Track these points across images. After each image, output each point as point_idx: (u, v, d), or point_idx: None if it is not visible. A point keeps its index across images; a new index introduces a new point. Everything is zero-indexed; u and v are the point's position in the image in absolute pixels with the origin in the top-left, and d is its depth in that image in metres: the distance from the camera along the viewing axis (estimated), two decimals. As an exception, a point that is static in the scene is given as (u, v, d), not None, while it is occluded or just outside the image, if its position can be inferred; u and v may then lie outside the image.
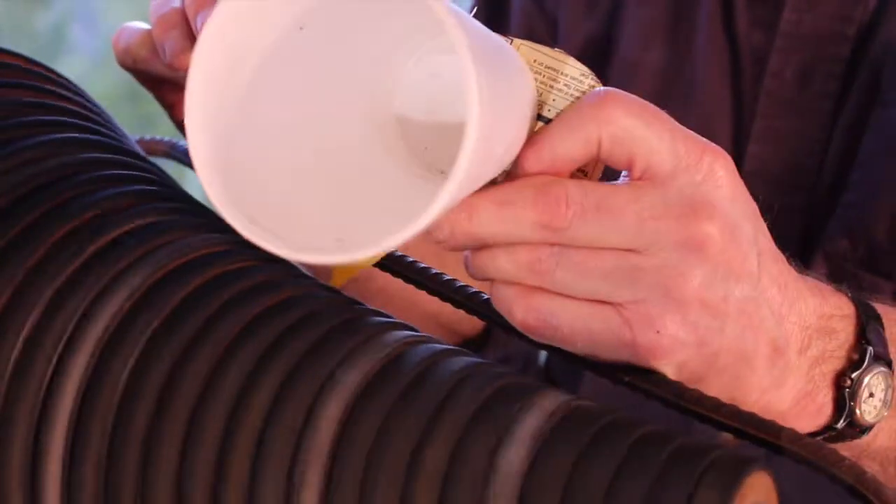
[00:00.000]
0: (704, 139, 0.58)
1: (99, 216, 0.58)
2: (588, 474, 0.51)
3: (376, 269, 0.66)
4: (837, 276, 0.71)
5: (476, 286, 0.64)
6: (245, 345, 0.55)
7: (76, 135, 0.63)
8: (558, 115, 0.59)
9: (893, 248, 0.87)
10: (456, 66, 0.51)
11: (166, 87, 0.79)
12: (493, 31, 0.57)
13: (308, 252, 0.53)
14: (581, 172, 0.59)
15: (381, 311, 0.59)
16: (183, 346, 0.55)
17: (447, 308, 0.65)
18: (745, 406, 0.59)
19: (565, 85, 0.59)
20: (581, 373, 0.91)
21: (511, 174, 0.58)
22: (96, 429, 0.55)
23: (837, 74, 0.91)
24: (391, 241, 0.51)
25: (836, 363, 0.63)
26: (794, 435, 0.56)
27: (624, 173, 0.58)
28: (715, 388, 0.59)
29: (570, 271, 0.57)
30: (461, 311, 0.65)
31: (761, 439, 0.57)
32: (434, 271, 0.65)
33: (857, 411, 0.63)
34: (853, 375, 0.63)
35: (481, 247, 0.58)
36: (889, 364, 0.64)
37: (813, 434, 0.63)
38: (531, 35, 0.87)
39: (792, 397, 0.62)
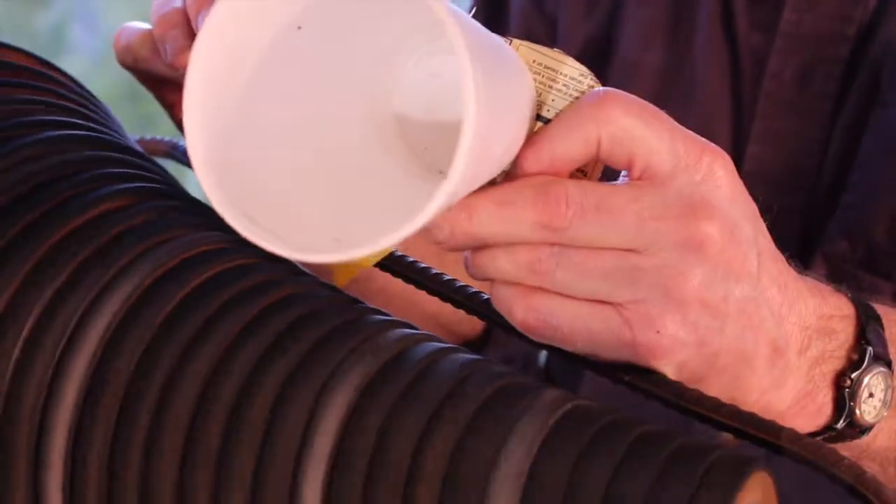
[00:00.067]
0: (704, 139, 0.58)
1: (99, 214, 0.58)
2: (588, 474, 0.51)
3: (376, 270, 0.66)
4: (837, 277, 0.71)
5: (476, 286, 0.64)
6: (246, 344, 0.55)
7: (76, 132, 0.63)
8: (557, 115, 0.59)
9: (893, 249, 0.87)
10: (456, 66, 0.51)
11: (167, 87, 0.79)
12: (492, 31, 0.57)
13: (307, 251, 0.53)
14: (580, 172, 0.59)
15: (382, 310, 0.59)
16: (184, 345, 0.55)
17: (447, 308, 0.66)
18: (745, 406, 0.59)
19: (564, 85, 0.59)
20: (581, 373, 0.91)
21: (510, 174, 0.58)
22: (98, 429, 0.55)
23: (837, 75, 0.91)
24: (388, 240, 0.51)
25: (836, 363, 0.63)
26: (793, 435, 0.56)
27: (623, 173, 0.58)
28: (715, 388, 0.59)
29: (570, 271, 0.57)
30: (461, 312, 0.65)
31: (761, 439, 0.57)
32: (434, 271, 0.65)
33: (857, 411, 0.63)
34: (853, 376, 0.63)
35: (481, 247, 0.58)
36: (889, 364, 0.64)
37: (813, 434, 0.63)
38: (530, 36, 0.87)
39: (792, 397, 0.62)
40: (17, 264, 0.56)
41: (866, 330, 0.63)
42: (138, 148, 0.67)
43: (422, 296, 0.66)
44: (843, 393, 0.63)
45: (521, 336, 0.60)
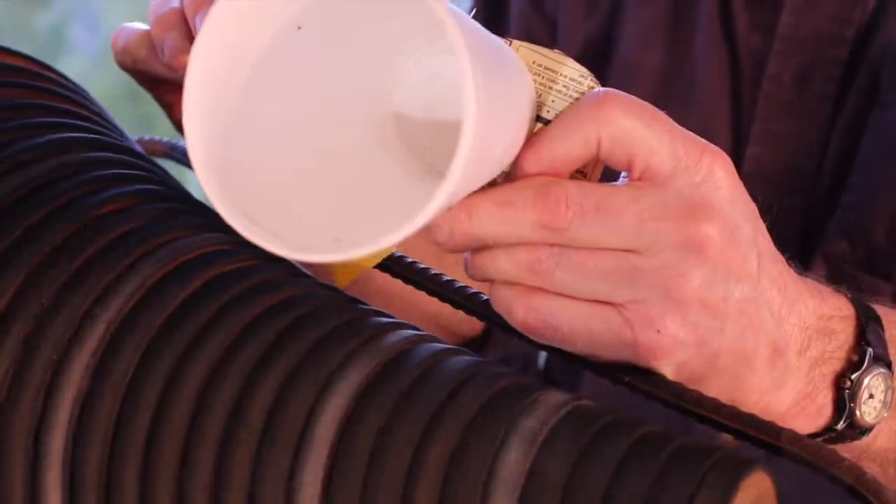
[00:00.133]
0: (704, 140, 0.58)
1: (100, 216, 0.58)
2: (588, 474, 0.51)
3: (376, 270, 0.66)
4: (837, 278, 0.71)
5: (476, 287, 0.64)
6: (246, 345, 0.55)
7: (77, 135, 0.63)
8: (557, 116, 0.59)
9: (892, 250, 0.87)
10: (456, 66, 0.51)
11: (165, 88, 0.79)
12: (492, 32, 0.57)
13: (306, 251, 0.53)
14: (580, 173, 0.59)
15: (382, 310, 0.59)
16: (184, 346, 0.55)
17: (447, 309, 0.65)
18: (745, 407, 0.59)
19: (564, 86, 0.59)
20: (581, 373, 0.90)
21: (510, 175, 0.58)
22: (97, 430, 0.55)
23: (836, 76, 0.91)
24: (388, 240, 0.51)
25: (836, 364, 0.63)
26: (793, 436, 0.56)
27: (623, 174, 0.58)
28: (715, 389, 0.59)
29: (570, 272, 0.57)
30: (461, 313, 0.65)
31: (761, 440, 0.57)
32: (434, 272, 0.65)
33: (857, 412, 0.63)
34: (853, 377, 0.63)
35: (481, 248, 0.58)
36: (889, 365, 0.64)
37: (813, 435, 0.63)
38: (529, 37, 0.87)
39: (792, 398, 0.62)
40: (19, 266, 0.56)
41: (866, 331, 0.63)
42: (139, 149, 0.67)
43: (421, 296, 0.66)
44: (843, 394, 0.63)
45: (520, 336, 0.60)
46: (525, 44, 0.60)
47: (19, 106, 0.63)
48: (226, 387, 0.54)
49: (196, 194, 0.64)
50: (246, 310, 0.56)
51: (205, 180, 0.54)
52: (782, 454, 0.56)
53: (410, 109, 0.60)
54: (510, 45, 0.59)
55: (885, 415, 0.64)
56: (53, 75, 0.67)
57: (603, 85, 0.60)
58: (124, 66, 0.78)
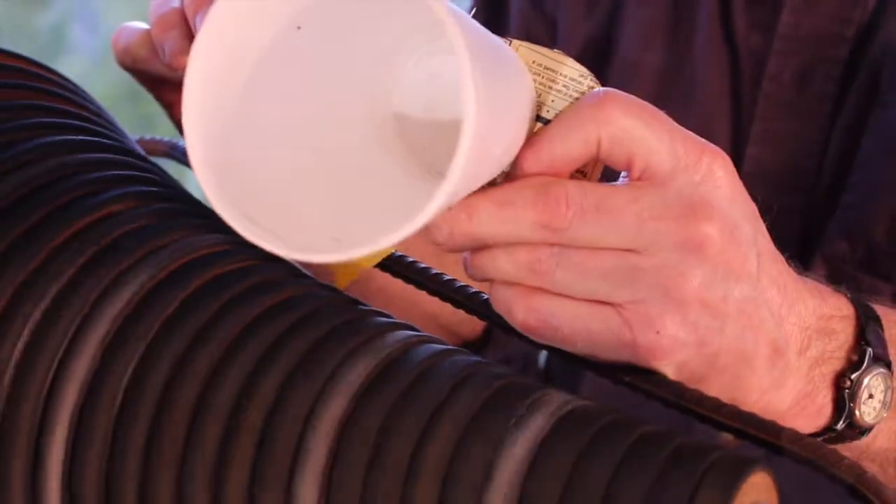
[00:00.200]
0: (703, 140, 0.58)
1: (100, 217, 0.58)
2: (588, 474, 0.51)
3: (376, 270, 0.66)
4: (836, 279, 0.71)
5: (476, 287, 0.64)
6: (246, 345, 0.55)
7: (77, 136, 0.63)
8: (557, 115, 0.59)
9: (892, 250, 0.87)
10: (456, 66, 0.51)
11: (166, 87, 0.79)
12: (492, 32, 0.57)
13: (306, 251, 0.54)
14: (580, 173, 0.59)
15: (382, 311, 0.59)
16: (184, 346, 0.55)
17: (447, 309, 0.65)
18: (745, 406, 0.59)
19: (564, 86, 0.59)
20: (581, 373, 0.90)
21: (510, 175, 0.58)
22: (98, 431, 0.55)
23: (836, 76, 0.91)
24: (388, 240, 0.51)
25: (836, 364, 0.63)
26: (794, 435, 0.56)
27: (623, 174, 0.58)
28: (715, 389, 0.59)
29: (570, 271, 0.57)
30: (461, 313, 0.65)
31: (762, 439, 0.57)
32: (434, 272, 0.65)
33: (857, 412, 0.63)
34: (853, 376, 0.63)
35: (481, 248, 0.58)
36: (888, 365, 0.64)
37: (813, 435, 0.63)
38: (529, 37, 0.87)
39: (792, 398, 0.62)
40: (19, 267, 0.56)
41: (866, 331, 0.63)
42: (139, 150, 0.67)
43: (422, 296, 0.66)
44: (843, 394, 0.63)
45: (521, 336, 0.60)
46: (525, 43, 0.60)
47: (19, 107, 0.63)
48: (226, 387, 0.54)
49: (196, 194, 0.64)
50: (246, 310, 0.56)
51: (204, 180, 0.54)
52: (783, 453, 0.56)
53: (410, 109, 0.60)
54: (510, 44, 0.59)
55: (885, 415, 0.64)
56: (52, 76, 0.67)
57: (603, 85, 0.60)
58: (125, 66, 0.78)
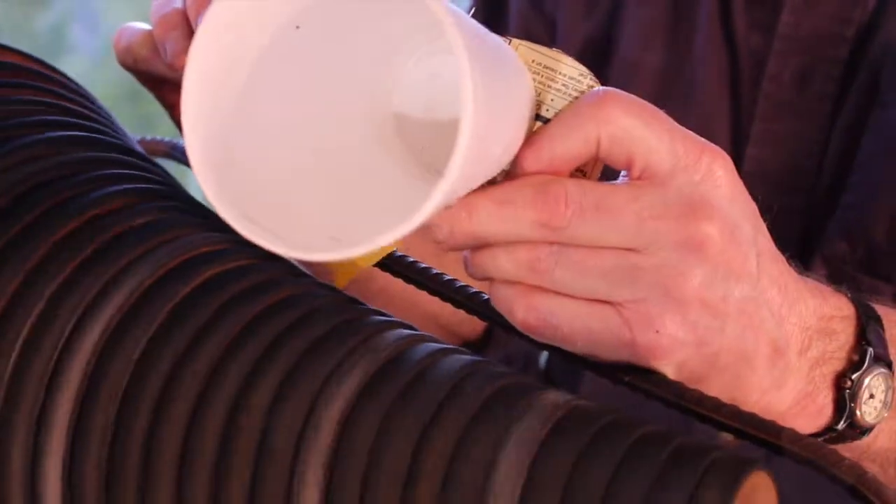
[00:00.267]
0: (703, 139, 0.58)
1: (99, 215, 0.58)
2: (588, 474, 0.51)
3: (377, 270, 0.66)
4: (836, 279, 0.71)
5: (476, 286, 0.64)
6: (245, 344, 0.55)
7: (76, 133, 0.63)
8: (557, 114, 0.59)
9: (892, 250, 0.87)
10: (456, 66, 0.51)
11: (167, 87, 0.79)
12: (491, 32, 0.57)
13: (305, 250, 0.54)
14: (580, 172, 0.59)
15: (382, 310, 0.59)
16: (183, 345, 0.55)
17: (447, 309, 0.65)
18: (746, 406, 0.59)
19: (563, 85, 0.59)
20: (581, 373, 0.90)
21: (510, 174, 0.58)
22: (96, 430, 0.55)
23: (836, 76, 0.91)
24: (385, 239, 0.52)
25: (837, 364, 0.63)
26: (794, 435, 0.56)
27: (623, 173, 0.58)
28: (715, 388, 0.59)
29: (570, 270, 0.57)
30: (461, 313, 0.65)
31: (762, 439, 0.57)
32: (434, 271, 0.65)
33: (858, 412, 0.63)
34: (853, 377, 0.63)
35: (481, 246, 0.58)
36: (889, 365, 0.64)
37: (813, 435, 0.63)
38: (529, 36, 0.86)
39: (792, 398, 0.62)
40: (17, 264, 0.56)
41: (867, 331, 0.63)
42: (139, 149, 0.67)
43: (422, 296, 0.66)
44: (844, 394, 0.63)
45: (521, 336, 0.60)
46: (524, 42, 0.60)
47: (18, 103, 0.63)
48: (225, 386, 0.54)
49: (196, 194, 0.64)
50: (245, 309, 0.56)
51: (203, 180, 0.54)
52: (783, 453, 0.56)
53: (410, 109, 0.60)
54: (510, 43, 0.59)
55: (886, 415, 0.64)
56: (53, 74, 0.67)
57: (603, 84, 0.60)
58: (126, 66, 0.78)
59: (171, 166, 0.76)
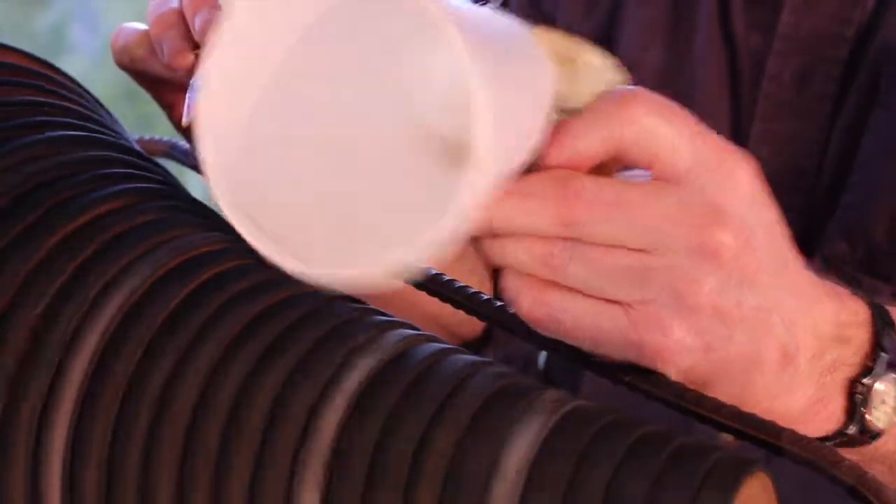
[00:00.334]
0: (727, 142, 0.58)
1: (99, 215, 0.58)
2: (588, 474, 0.51)
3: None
4: (836, 280, 0.71)
5: (476, 287, 0.64)
6: (246, 344, 0.55)
7: (77, 133, 0.63)
8: (581, 111, 0.58)
9: (892, 250, 0.87)
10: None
11: (164, 87, 0.79)
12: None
13: (321, 267, 0.53)
14: (599, 168, 0.59)
15: (383, 310, 0.59)
16: (184, 345, 0.55)
17: (447, 310, 0.65)
18: (755, 411, 0.59)
19: (586, 76, 0.58)
20: (581, 373, 0.90)
21: (531, 166, 0.58)
22: (98, 429, 0.55)
23: (836, 76, 0.91)
24: (396, 257, 0.51)
25: (849, 371, 0.63)
26: (794, 436, 0.56)
27: (642, 171, 0.58)
28: (724, 393, 0.59)
29: (583, 267, 0.57)
30: (461, 313, 0.65)
31: (761, 440, 0.57)
32: (434, 272, 0.65)
33: (868, 418, 0.63)
34: (865, 382, 0.62)
35: (496, 235, 0.58)
36: None
37: (823, 439, 0.63)
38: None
39: (803, 403, 0.62)
40: (18, 264, 0.56)
41: (882, 337, 0.63)
42: (138, 148, 0.67)
43: (422, 296, 0.65)
44: (855, 399, 0.63)
45: (521, 336, 0.60)
46: (549, 31, 0.59)
47: (18, 103, 0.63)
48: (226, 386, 0.54)
49: (196, 194, 0.64)
50: (246, 308, 0.56)
51: (220, 195, 0.54)
52: (783, 454, 0.56)
53: (432, 118, 0.59)
54: (533, 33, 0.58)
55: None
56: (53, 73, 0.67)
57: (625, 73, 0.59)
58: (123, 66, 0.78)
59: (170, 166, 0.76)
